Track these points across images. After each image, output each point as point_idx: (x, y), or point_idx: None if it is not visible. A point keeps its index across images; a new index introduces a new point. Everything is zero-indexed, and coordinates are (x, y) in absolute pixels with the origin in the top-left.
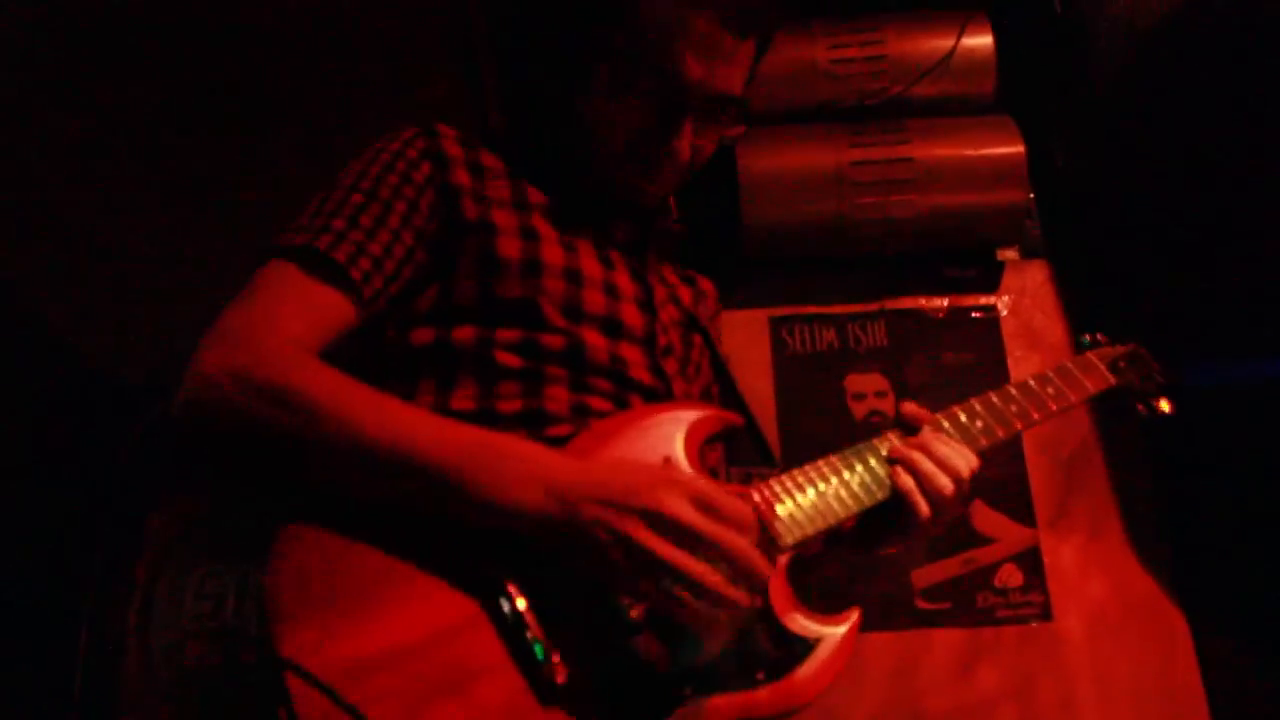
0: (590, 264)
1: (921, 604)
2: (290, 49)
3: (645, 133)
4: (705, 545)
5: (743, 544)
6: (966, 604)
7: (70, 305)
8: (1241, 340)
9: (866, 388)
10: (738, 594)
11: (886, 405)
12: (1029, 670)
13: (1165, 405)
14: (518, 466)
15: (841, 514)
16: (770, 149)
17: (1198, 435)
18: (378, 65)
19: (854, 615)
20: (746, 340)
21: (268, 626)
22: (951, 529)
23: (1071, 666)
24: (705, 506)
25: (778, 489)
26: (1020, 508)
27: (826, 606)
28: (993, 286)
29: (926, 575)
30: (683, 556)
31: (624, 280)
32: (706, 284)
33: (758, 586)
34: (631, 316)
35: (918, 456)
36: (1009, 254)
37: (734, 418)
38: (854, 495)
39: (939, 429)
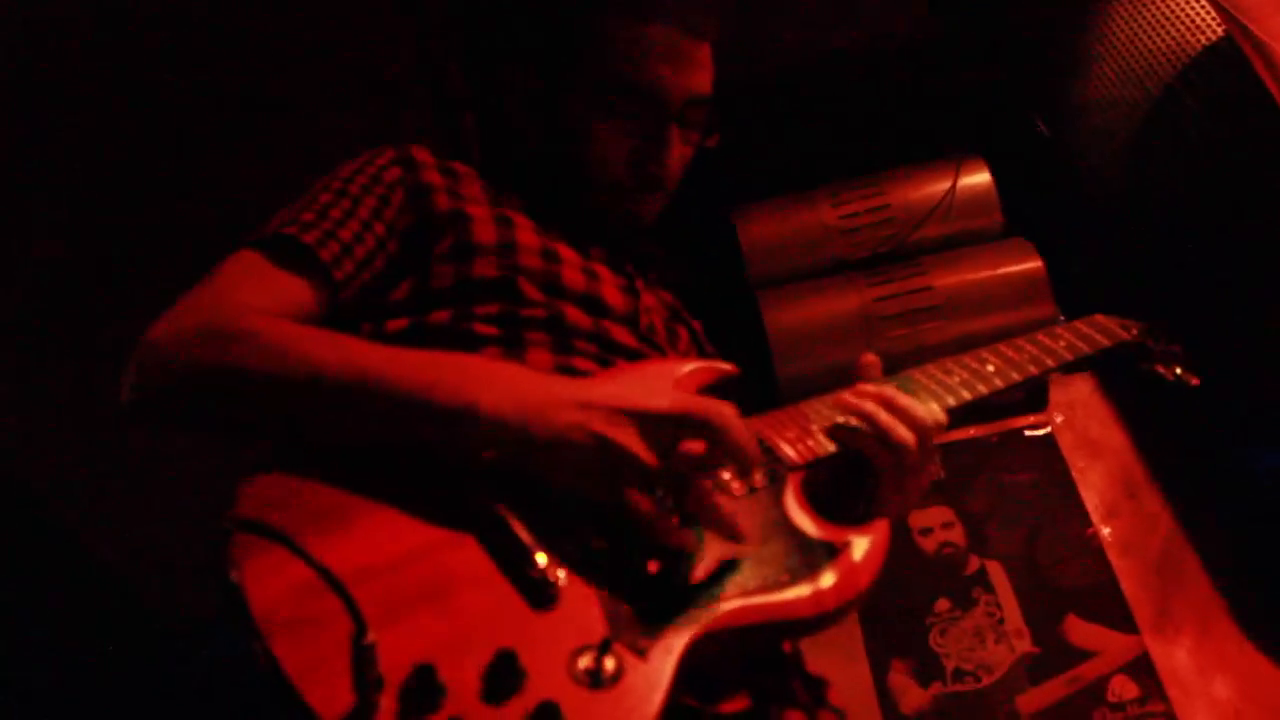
0: (567, 250)
1: None
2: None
3: (636, 151)
4: (684, 426)
5: (725, 411)
6: None
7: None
8: None
9: (932, 521)
10: (723, 501)
11: (955, 535)
12: None
13: (1193, 379)
14: (486, 379)
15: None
16: (793, 304)
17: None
18: (351, 110)
19: (883, 524)
20: None
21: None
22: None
23: None
24: (690, 406)
25: (783, 417)
26: (1117, 616)
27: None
28: (1040, 405)
29: (1032, 701)
30: (664, 458)
31: (603, 268)
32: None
33: (749, 468)
34: (613, 297)
35: (872, 407)
36: None
37: (730, 368)
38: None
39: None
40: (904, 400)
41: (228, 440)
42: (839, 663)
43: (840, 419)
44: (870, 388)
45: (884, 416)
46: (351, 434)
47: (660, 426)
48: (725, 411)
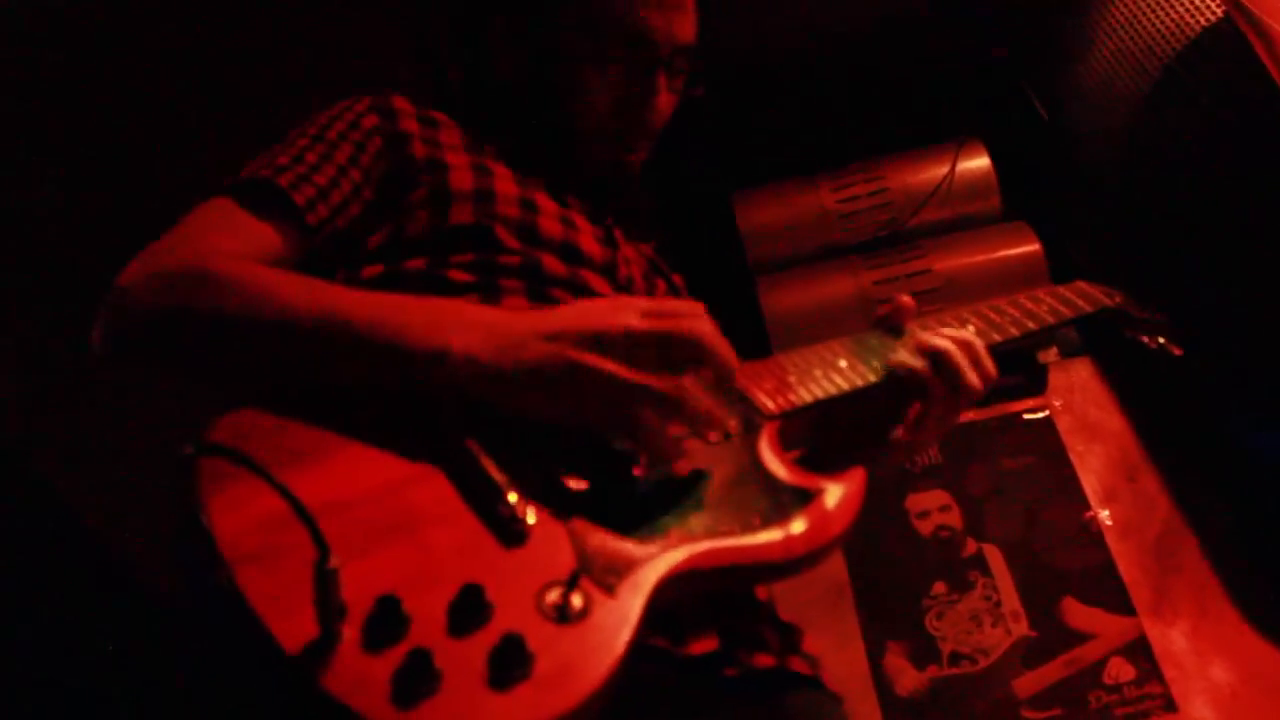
0: (545, 200)
1: (1028, 714)
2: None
3: (624, 97)
4: (659, 347)
5: (701, 326)
6: (1078, 707)
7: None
8: None
9: (930, 505)
10: (702, 405)
11: (952, 519)
12: None
13: (1176, 349)
14: (455, 317)
15: (831, 391)
16: (791, 288)
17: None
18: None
19: (859, 474)
20: None
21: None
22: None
23: None
24: (653, 312)
25: (760, 369)
26: (1115, 598)
27: (832, 469)
28: (1039, 389)
29: (1029, 684)
30: (634, 372)
31: (580, 218)
32: (677, 278)
33: (726, 378)
34: (590, 246)
35: (954, 349)
36: (1049, 356)
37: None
38: (848, 376)
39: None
40: (979, 347)
41: (201, 385)
42: (835, 644)
43: (899, 356)
44: (950, 330)
45: (961, 357)
46: (322, 377)
47: (633, 345)
48: (698, 326)
